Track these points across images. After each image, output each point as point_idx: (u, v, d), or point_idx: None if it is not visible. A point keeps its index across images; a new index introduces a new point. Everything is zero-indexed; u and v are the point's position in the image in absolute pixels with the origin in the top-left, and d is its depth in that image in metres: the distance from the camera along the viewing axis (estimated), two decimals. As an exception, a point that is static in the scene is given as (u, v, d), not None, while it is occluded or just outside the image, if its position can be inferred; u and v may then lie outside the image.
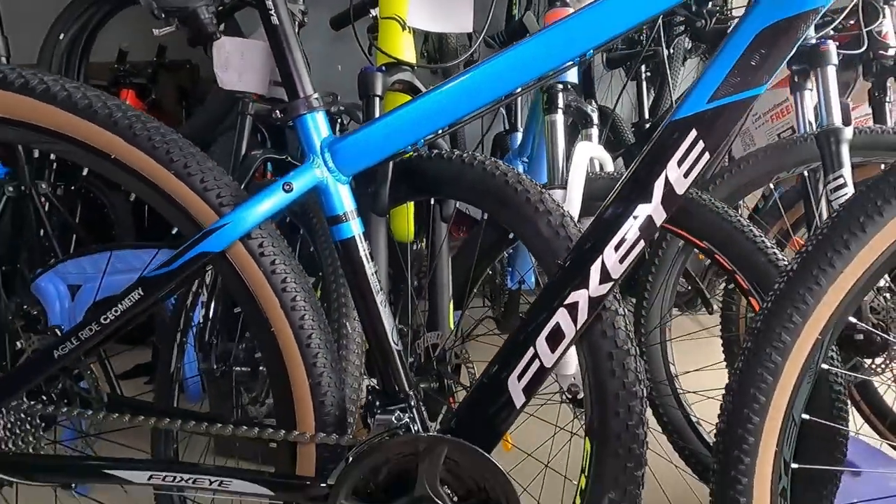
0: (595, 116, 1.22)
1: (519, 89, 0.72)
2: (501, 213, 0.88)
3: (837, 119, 1.19)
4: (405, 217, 1.28)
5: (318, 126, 0.69)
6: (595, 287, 0.68)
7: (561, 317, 0.69)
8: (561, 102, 1.14)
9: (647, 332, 1.32)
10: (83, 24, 2.49)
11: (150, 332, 2.18)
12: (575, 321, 0.69)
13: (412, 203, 1.25)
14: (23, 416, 0.73)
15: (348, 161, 0.69)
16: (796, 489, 0.89)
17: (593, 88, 2.47)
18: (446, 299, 1.16)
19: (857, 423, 1.29)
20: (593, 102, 1.23)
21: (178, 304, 1.33)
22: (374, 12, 1.31)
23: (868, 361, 1.25)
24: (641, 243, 0.67)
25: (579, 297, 0.69)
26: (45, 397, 0.76)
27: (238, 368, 1.24)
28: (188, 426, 0.72)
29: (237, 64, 1.26)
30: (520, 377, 0.70)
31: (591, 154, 1.12)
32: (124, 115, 0.68)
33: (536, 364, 0.70)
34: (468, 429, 0.72)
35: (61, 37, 2.46)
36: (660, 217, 0.67)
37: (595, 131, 1.23)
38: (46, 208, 2.11)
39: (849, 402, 1.19)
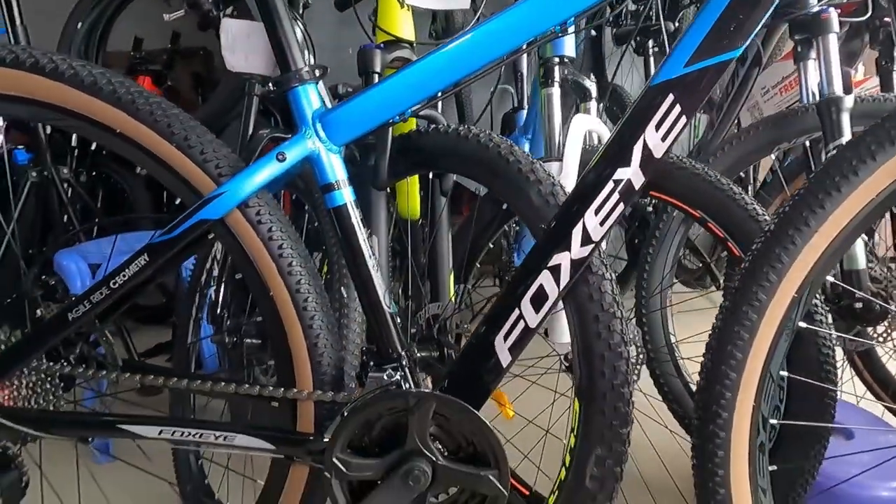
0: (593, 89, 1.24)
1: (505, 56, 0.74)
2: (494, 184, 0.90)
3: (838, 88, 1.18)
4: (408, 195, 1.31)
5: (309, 98, 0.73)
6: (577, 249, 0.71)
7: (544, 279, 0.72)
8: (557, 76, 1.15)
9: (648, 299, 1.34)
10: (99, 13, 2.55)
11: (171, 313, 2.26)
12: (558, 283, 0.72)
13: (416, 181, 1.28)
14: (43, 376, 0.78)
15: (339, 131, 0.72)
16: (784, 447, 0.92)
17: (604, 64, 2.47)
18: (446, 271, 1.19)
19: (857, 391, 1.29)
20: (591, 76, 1.24)
21: (193, 281, 1.39)
22: (375, -7, 1.33)
23: (870, 330, 1.26)
24: (621, 206, 0.70)
25: (562, 259, 0.71)
26: (63, 360, 0.80)
27: (248, 340, 1.29)
28: (194, 385, 0.76)
29: (243, 45, 1.29)
30: (506, 337, 0.73)
31: (587, 127, 1.13)
32: (127, 90, 0.72)
33: (521, 325, 0.73)
34: (458, 387, 0.75)
35: (79, 26, 2.53)
36: (638, 181, 0.69)
37: (593, 104, 1.24)
38: (69, 193, 2.19)
39: (845, 366, 1.21)
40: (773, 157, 1.29)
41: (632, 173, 0.68)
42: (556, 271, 0.71)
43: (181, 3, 1.20)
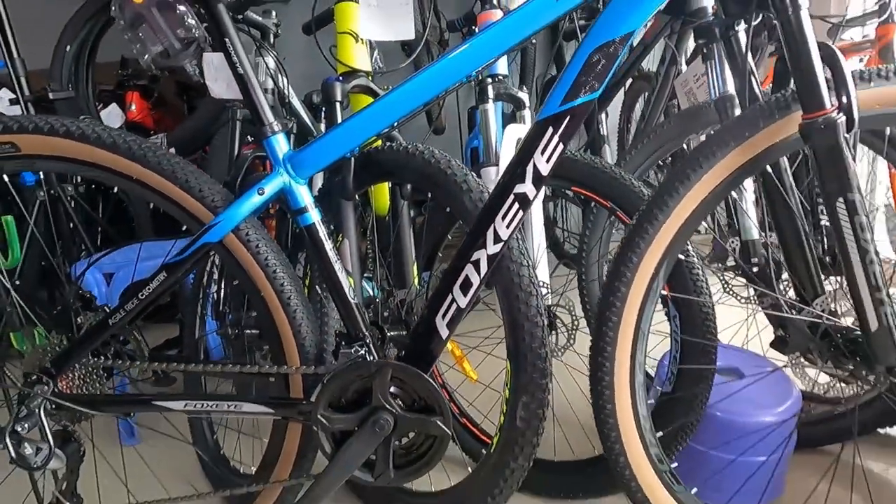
0: (526, 100, 1.45)
1: (437, 96, 0.95)
2: (436, 192, 1.12)
3: (731, 87, 1.39)
4: (378, 197, 1.54)
5: (279, 144, 0.94)
6: (491, 247, 0.93)
7: (469, 270, 0.94)
8: (491, 93, 1.37)
9: (587, 270, 1.58)
10: (85, 35, 2.72)
11: (177, 311, 2.48)
12: (479, 273, 0.94)
13: (386, 186, 1.51)
14: (91, 368, 1.01)
15: (303, 169, 0.94)
16: (679, 386, 1.16)
17: (563, 56, 2.66)
18: (409, 262, 1.41)
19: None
20: (524, 87, 1.45)
21: (196, 283, 1.61)
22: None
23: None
24: (521, 213, 0.91)
25: (480, 255, 0.93)
26: (103, 356, 1.03)
27: (248, 331, 1.52)
28: (209, 368, 0.99)
29: (225, 75, 1.49)
30: (443, 316, 0.96)
31: (519, 135, 1.35)
32: (139, 146, 0.93)
33: (454, 306, 0.95)
34: (412, 356, 0.98)
35: (68, 49, 2.70)
36: (532, 193, 0.91)
37: (528, 113, 1.45)
38: (72, 205, 2.38)
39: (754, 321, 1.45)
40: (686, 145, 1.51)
41: (527, 188, 0.90)
42: (476, 265, 0.94)
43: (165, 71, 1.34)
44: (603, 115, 2.29)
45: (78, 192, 2.52)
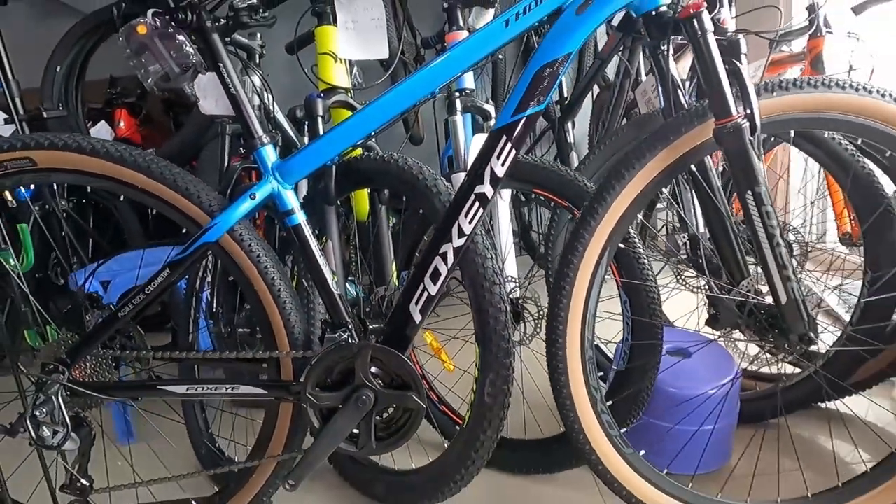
0: (492, 111, 1.59)
1: (408, 109, 1.08)
2: (410, 195, 1.26)
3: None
4: (358, 203, 1.67)
5: (268, 155, 1.07)
6: (456, 241, 1.06)
7: (437, 262, 1.07)
8: (459, 106, 1.51)
9: (553, 263, 1.72)
10: (75, 55, 2.83)
11: (168, 320, 2.58)
12: (446, 264, 1.07)
13: (366, 192, 1.63)
14: (101, 359, 1.12)
15: (290, 176, 1.07)
16: (632, 362, 1.29)
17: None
18: (388, 261, 1.54)
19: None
20: (490, 101, 1.59)
21: (189, 287, 1.72)
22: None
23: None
24: (481, 210, 1.05)
25: (447, 248, 1.06)
26: (111, 348, 1.14)
27: (240, 330, 1.64)
28: (209, 355, 1.11)
29: (213, 92, 1.61)
30: (416, 303, 1.09)
31: (485, 143, 1.48)
32: (144, 159, 1.05)
33: (426, 294, 1.08)
34: (390, 339, 1.10)
35: (58, 69, 2.80)
36: (490, 192, 1.04)
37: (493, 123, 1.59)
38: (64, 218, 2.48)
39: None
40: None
41: (485, 188, 1.04)
42: (444, 257, 1.07)
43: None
44: (570, 125, 2.45)
45: (69, 206, 2.62)
